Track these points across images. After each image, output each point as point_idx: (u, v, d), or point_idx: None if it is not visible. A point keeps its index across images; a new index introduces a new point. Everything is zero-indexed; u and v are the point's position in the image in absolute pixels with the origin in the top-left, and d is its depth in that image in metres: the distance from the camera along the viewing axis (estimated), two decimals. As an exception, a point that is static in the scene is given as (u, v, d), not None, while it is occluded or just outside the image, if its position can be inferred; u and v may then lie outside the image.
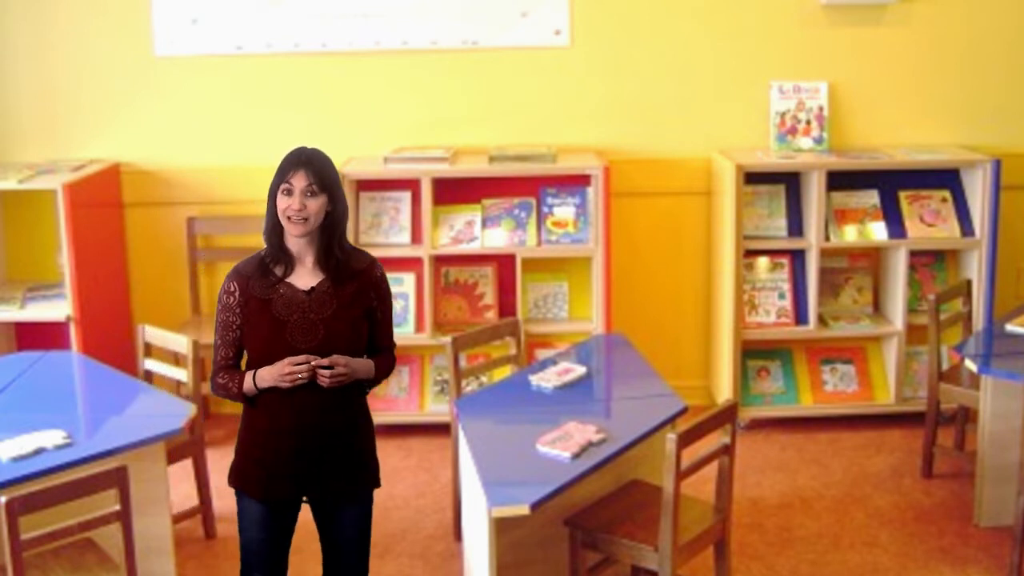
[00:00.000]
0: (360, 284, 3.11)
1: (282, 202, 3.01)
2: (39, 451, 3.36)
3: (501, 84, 5.38)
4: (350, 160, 5.26)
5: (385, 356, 3.22)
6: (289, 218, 3.00)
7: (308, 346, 3.01)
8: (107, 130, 5.43)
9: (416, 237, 5.21)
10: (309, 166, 3.01)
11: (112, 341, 5.26)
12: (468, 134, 5.41)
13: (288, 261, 3.07)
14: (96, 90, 5.39)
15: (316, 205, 3.01)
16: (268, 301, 3.04)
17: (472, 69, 5.37)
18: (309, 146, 3.09)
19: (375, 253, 5.08)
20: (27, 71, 5.37)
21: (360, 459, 3.16)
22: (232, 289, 3.07)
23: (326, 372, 2.99)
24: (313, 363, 2.98)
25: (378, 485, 3.23)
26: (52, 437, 3.44)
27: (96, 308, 5.13)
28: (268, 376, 3.02)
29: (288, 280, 3.06)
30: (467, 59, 5.36)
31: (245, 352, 3.12)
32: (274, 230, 3.07)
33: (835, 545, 4.24)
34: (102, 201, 5.31)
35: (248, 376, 3.06)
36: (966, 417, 4.83)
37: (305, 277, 3.07)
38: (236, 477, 3.17)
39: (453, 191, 5.25)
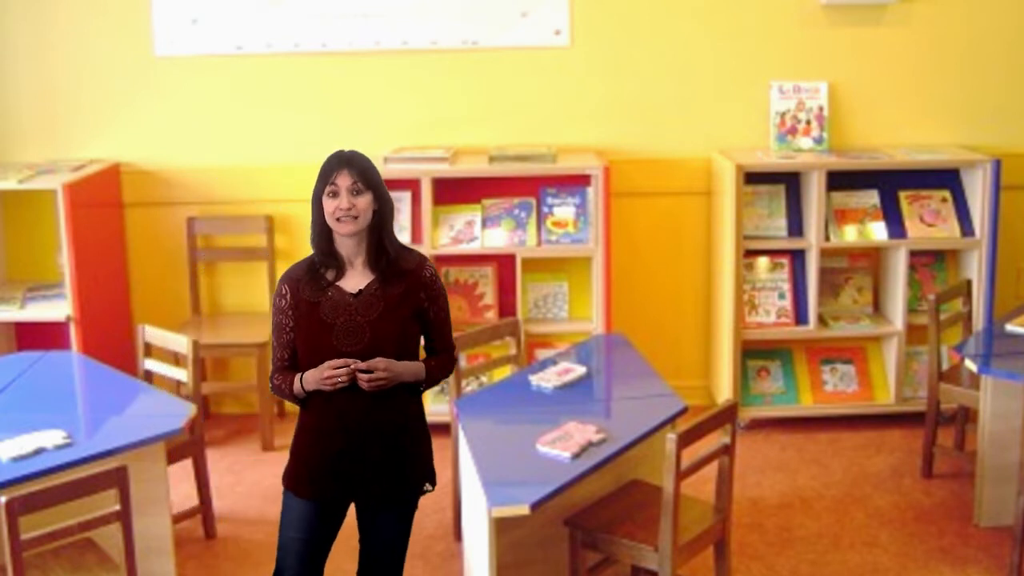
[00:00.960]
0: (409, 284, 3.09)
1: (329, 204, 3.01)
2: (39, 451, 3.36)
3: (501, 84, 5.38)
4: (350, 160, 5.26)
5: (441, 358, 3.19)
6: (339, 219, 3.00)
7: (354, 349, 3.00)
8: (107, 130, 5.43)
9: (416, 237, 5.21)
10: (351, 165, 3.01)
11: (112, 341, 5.26)
12: (468, 134, 5.41)
13: (338, 265, 3.07)
14: (96, 90, 5.39)
15: (363, 203, 3.01)
16: (316, 304, 3.04)
17: (472, 69, 5.37)
18: (347, 149, 3.09)
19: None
20: (27, 71, 5.37)
21: (406, 461, 3.14)
22: (284, 292, 3.08)
23: (365, 376, 2.98)
24: (352, 366, 2.98)
25: (423, 490, 3.20)
26: (52, 437, 3.44)
27: (96, 308, 5.13)
28: (311, 379, 3.03)
29: (338, 283, 3.06)
30: (467, 59, 5.36)
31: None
32: (322, 234, 3.06)
33: (835, 545, 4.24)
34: (102, 201, 5.31)
35: (296, 378, 3.07)
36: (966, 417, 4.83)
37: (355, 279, 3.07)
38: (287, 477, 3.18)
39: (453, 191, 5.25)
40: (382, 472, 3.09)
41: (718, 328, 5.37)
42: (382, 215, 3.07)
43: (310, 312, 3.05)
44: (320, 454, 3.09)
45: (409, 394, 3.13)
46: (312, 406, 3.09)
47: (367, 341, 3.01)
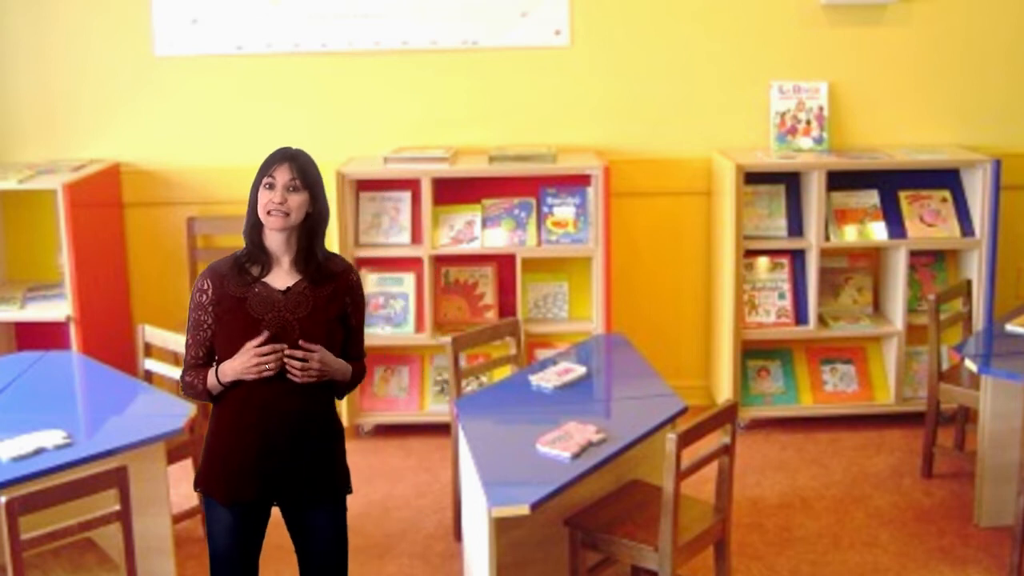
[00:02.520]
0: (336, 287, 3.05)
1: (263, 196, 2.96)
2: (39, 451, 3.36)
3: (501, 84, 5.38)
4: (350, 160, 5.26)
5: (358, 364, 3.16)
6: (269, 212, 2.95)
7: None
8: (107, 130, 5.43)
9: (416, 237, 5.21)
10: (293, 161, 2.98)
11: (112, 341, 5.26)
12: (468, 134, 5.41)
13: (265, 261, 3.02)
14: (96, 90, 5.39)
15: (297, 200, 2.96)
16: (243, 299, 2.98)
17: (472, 69, 5.37)
18: (294, 147, 3.05)
19: (375, 253, 5.17)
20: (27, 71, 5.37)
21: (331, 463, 3.09)
22: (205, 287, 3.01)
23: (298, 364, 2.93)
24: (287, 351, 2.91)
25: (350, 491, 3.15)
26: (52, 437, 3.43)
27: (96, 308, 5.13)
28: (231, 369, 2.95)
29: (264, 280, 3.01)
30: (467, 59, 5.36)
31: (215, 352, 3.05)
32: (254, 228, 3.01)
33: (835, 545, 4.24)
34: (102, 201, 5.31)
35: (211, 372, 3.00)
36: (966, 417, 4.83)
37: (282, 277, 3.02)
38: (202, 480, 3.09)
39: (453, 191, 5.25)
40: (308, 471, 3.03)
41: (718, 328, 5.37)
42: (315, 218, 3.02)
43: (236, 307, 2.98)
44: (240, 451, 2.99)
45: (329, 394, 3.07)
46: (229, 400, 3.00)
47: (295, 338, 2.96)
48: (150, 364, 4.41)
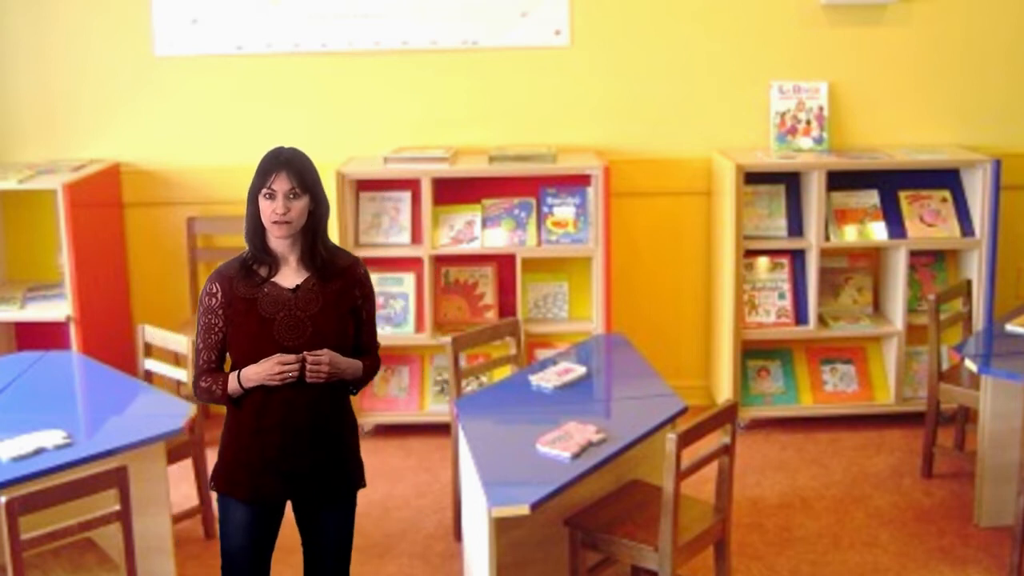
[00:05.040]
0: (345, 281, 3.08)
1: (265, 206, 2.98)
2: (39, 451, 3.36)
3: (501, 84, 5.38)
4: (350, 160, 5.26)
5: (371, 358, 3.20)
6: (274, 222, 2.98)
7: (295, 343, 2.99)
8: (107, 130, 5.43)
9: (416, 237, 5.21)
10: (290, 168, 2.98)
11: (112, 341, 5.26)
12: (468, 134, 5.41)
13: (272, 262, 3.04)
14: (96, 90, 5.39)
15: (299, 207, 2.98)
16: (253, 300, 3.00)
17: (472, 69, 5.37)
18: (287, 146, 3.06)
19: (375, 253, 5.17)
20: (27, 71, 5.37)
21: (346, 459, 3.13)
22: (214, 291, 3.03)
23: (309, 366, 2.96)
24: (303, 357, 2.95)
25: (363, 486, 3.19)
26: (52, 437, 3.43)
27: (96, 308, 5.13)
28: (254, 375, 2.98)
29: (273, 280, 3.03)
30: (467, 59, 5.36)
31: (229, 354, 3.08)
32: (256, 232, 3.03)
33: (835, 545, 4.24)
34: (102, 201, 5.31)
35: (232, 377, 3.02)
36: (966, 417, 4.83)
37: (290, 276, 3.04)
38: (221, 480, 3.11)
39: (453, 191, 5.25)
40: (323, 469, 3.07)
41: (718, 328, 5.37)
42: (317, 216, 3.04)
43: (247, 309, 3.00)
44: (260, 452, 3.03)
45: (344, 392, 3.12)
46: (249, 403, 3.03)
47: (308, 335, 2.99)
48: (150, 364, 4.41)
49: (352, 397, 3.19)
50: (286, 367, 2.95)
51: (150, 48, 5.35)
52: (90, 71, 5.38)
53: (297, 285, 3.03)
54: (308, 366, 2.96)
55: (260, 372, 2.97)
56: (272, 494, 3.08)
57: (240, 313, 3.01)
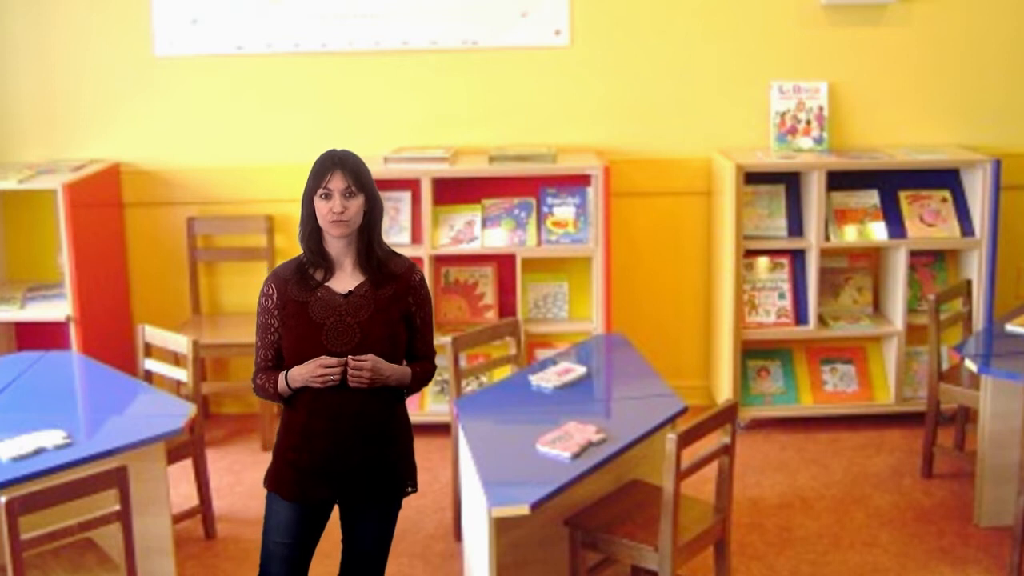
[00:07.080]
0: (398, 288, 3.09)
1: (321, 206, 3.00)
2: (39, 451, 3.36)
3: (501, 84, 5.38)
4: (350, 160, 5.26)
5: (424, 364, 3.20)
6: (332, 222, 3.00)
7: (344, 349, 3.00)
8: (107, 130, 5.43)
9: (416, 237, 5.21)
10: (344, 167, 3.01)
11: (112, 341, 5.27)
12: (468, 134, 5.41)
13: (327, 265, 3.07)
14: (96, 90, 5.39)
15: (355, 206, 3.01)
16: (305, 304, 3.03)
17: (472, 69, 5.37)
18: (339, 148, 3.08)
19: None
20: (27, 71, 5.37)
21: (394, 462, 3.14)
22: (270, 292, 3.07)
23: (352, 371, 2.98)
24: (348, 358, 2.97)
25: (406, 491, 3.18)
26: (52, 437, 3.44)
27: (96, 308, 5.13)
28: (299, 376, 3.01)
29: (327, 284, 3.06)
30: (467, 59, 5.36)
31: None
32: (312, 234, 3.06)
33: (835, 545, 4.24)
34: (102, 201, 5.31)
35: (281, 376, 3.06)
36: (966, 417, 4.83)
37: (344, 280, 3.07)
38: (271, 479, 3.15)
39: (453, 191, 5.25)
40: (369, 472, 3.08)
41: (718, 328, 5.37)
42: (372, 216, 3.08)
43: (299, 312, 3.03)
44: (308, 454, 3.06)
45: (394, 397, 3.12)
46: (300, 404, 3.06)
47: (357, 341, 3.01)
48: (150, 364, 4.41)
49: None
50: (328, 370, 2.97)
51: (150, 48, 5.35)
52: (90, 71, 5.38)
53: (350, 291, 3.05)
54: (350, 371, 2.97)
55: (304, 373, 3.00)
56: (317, 496, 3.09)
57: (292, 316, 3.04)
